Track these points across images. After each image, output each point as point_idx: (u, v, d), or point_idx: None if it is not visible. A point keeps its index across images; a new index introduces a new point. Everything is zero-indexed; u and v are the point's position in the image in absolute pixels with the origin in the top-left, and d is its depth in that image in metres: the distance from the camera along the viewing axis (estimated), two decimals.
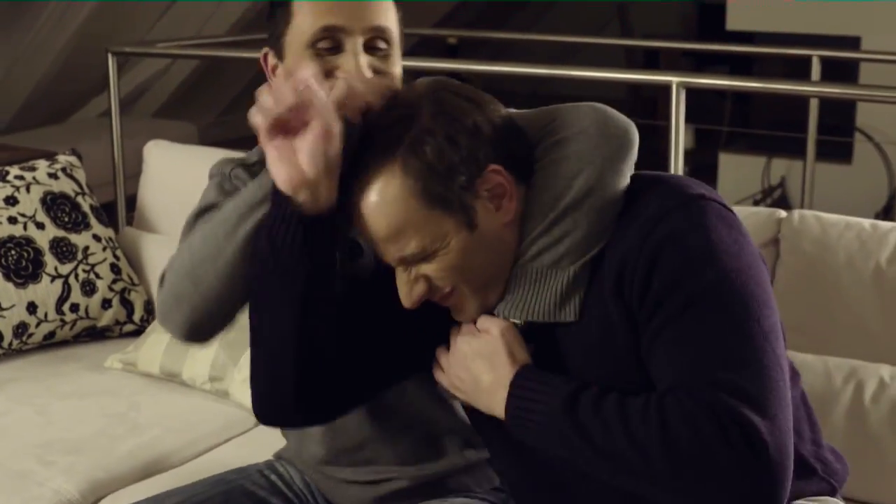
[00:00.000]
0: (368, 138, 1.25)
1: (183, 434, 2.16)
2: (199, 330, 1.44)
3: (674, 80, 2.46)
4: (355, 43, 1.42)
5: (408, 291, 1.27)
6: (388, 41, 1.45)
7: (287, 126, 1.23)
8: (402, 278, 1.28)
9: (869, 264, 1.93)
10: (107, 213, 3.22)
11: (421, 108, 1.23)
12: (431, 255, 1.24)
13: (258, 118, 1.23)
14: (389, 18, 1.45)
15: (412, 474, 1.60)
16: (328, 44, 1.42)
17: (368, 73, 1.41)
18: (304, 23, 1.43)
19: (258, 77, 1.54)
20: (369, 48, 1.43)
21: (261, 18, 5.94)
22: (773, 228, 2.03)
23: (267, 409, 1.39)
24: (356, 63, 1.41)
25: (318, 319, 1.30)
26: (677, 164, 2.45)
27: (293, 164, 1.23)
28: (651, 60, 7.13)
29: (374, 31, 1.43)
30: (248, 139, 1.53)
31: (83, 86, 5.58)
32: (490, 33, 7.50)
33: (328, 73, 1.40)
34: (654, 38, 7.13)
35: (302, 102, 1.21)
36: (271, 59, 1.49)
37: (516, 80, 7.96)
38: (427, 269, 1.25)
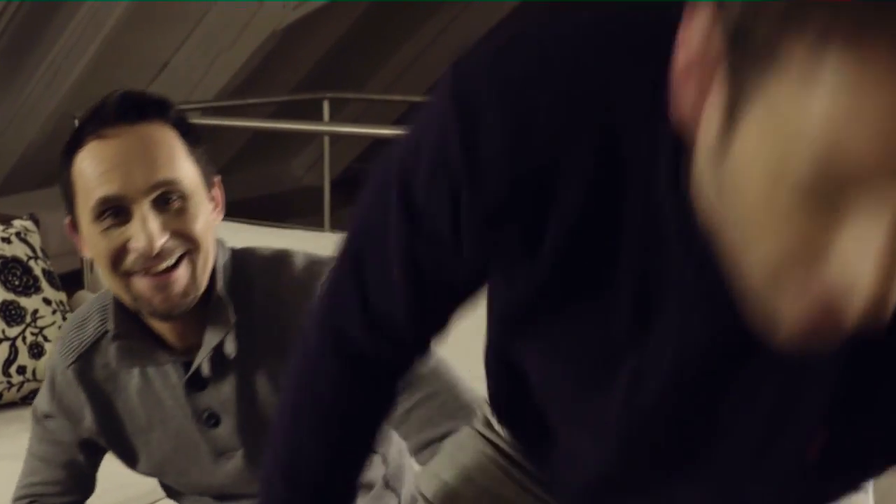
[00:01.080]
0: None
1: (116, 493, 2.17)
2: None
3: None
4: (141, 207, 1.23)
5: None
6: (181, 193, 1.26)
7: None
8: None
9: None
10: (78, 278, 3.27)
11: None
12: None
13: None
14: (178, 167, 1.26)
15: None
16: (112, 214, 1.24)
17: (163, 238, 1.23)
18: (83, 197, 1.26)
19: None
20: (161, 205, 1.25)
21: (249, 85, 5.95)
22: None
23: None
24: (146, 231, 1.22)
25: None
26: None
27: None
28: None
29: (162, 187, 1.24)
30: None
31: None
32: None
33: (121, 250, 1.25)
34: None
35: None
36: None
37: None
38: None
